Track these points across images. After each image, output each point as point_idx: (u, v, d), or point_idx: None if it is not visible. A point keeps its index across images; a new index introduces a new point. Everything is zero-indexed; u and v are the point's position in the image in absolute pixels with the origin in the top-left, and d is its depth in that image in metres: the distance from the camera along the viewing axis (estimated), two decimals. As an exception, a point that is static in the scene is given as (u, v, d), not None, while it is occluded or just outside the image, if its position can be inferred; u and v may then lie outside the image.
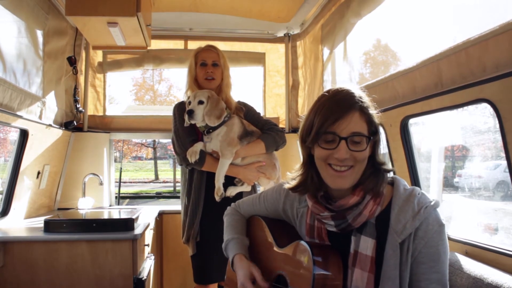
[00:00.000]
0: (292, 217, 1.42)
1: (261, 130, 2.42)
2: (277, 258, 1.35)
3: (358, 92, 1.19)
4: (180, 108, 2.39)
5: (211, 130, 2.27)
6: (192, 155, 2.23)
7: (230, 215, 1.61)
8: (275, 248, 1.37)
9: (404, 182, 1.24)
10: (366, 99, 1.19)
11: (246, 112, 2.46)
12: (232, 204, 1.66)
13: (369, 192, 1.17)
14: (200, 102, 2.23)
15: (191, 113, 2.21)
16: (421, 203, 1.15)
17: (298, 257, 1.24)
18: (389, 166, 1.23)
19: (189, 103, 2.25)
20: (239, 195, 2.31)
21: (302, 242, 1.24)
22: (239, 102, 2.49)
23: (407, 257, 1.12)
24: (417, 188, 1.21)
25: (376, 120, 1.19)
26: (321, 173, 1.20)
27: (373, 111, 1.19)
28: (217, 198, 2.23)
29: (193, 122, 2.25)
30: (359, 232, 1.18)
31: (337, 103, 1.15)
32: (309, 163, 1.25)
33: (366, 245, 1.16)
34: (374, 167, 1.20)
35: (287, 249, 1.31)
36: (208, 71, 2.38)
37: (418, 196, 1.17)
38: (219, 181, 2.24)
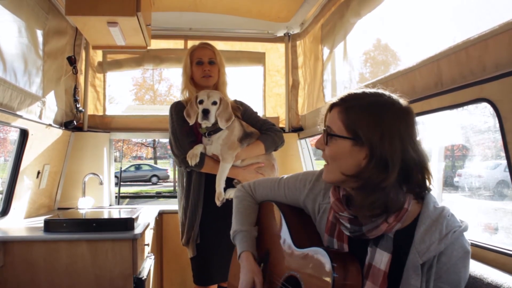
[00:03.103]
0: (312, 211, 1.36)
1: (259, 130, 2.40)
2: (293, 257, 1.30)
3: (361, 93, 1.15)
4: (177, 108, 2.36)
5: (212, 133, 2.25)
6: (193, 158, 2.20)
7: (241, 199, 1.53)
8: (292, 246, 1.31)
9: (435, 199, 1.16)
10: (371, 104, 1.11)
11: (243, 111, 2.44)
12: (246, 183, 1.57)
13: (371, 214, 1.10)
14: (214, 103, 2.21)
15: (206, 112, 2.18)
16: (450, 227, 1.09)
17: (316, 264, 1.18)
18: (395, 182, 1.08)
19: (200, 102, 2.22)
20: None
21: (323, 250, 1.18)
22: (235, 101, 2.47)
23: (429, 280, 1.08)
24: (447, 208, 1.14)
25: (375, 135, 1.07)
26: None
27: (372, 120, 1.08)
28: (218, 203, 2.22)
29: (204, 122, 2.22)
30: (375, 245, 1.14)
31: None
32: None
33: (380, 258, 1.12)
34: (362, 184, 1.11)
35: (306, 252, 1.25)
36: (205, 69, 2.35)
37: (448, 218, 1.11)
38: (220, 186, 2.22)
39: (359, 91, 1.16)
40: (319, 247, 1.20)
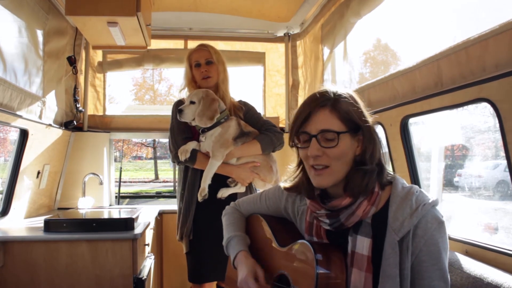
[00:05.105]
0: (292, 215, 1.43)
1: (259, 130, 2.41)
2: (279, 257, 1.35)
3: (335, 89, 1.20)
4: (177, 106, 2.40)
5: (206, 130, 2.27)
6: (183, 153, 2.24)
7: (230, 214, 1.60)
8: (277, 247, 1.37)
9: (403, 181, 1.23)
10: (345, 96, 1.18)
11: (245, 111, 2.46)
12: (232, 203, 1.66)
13: (358, 194, 1.17)
14: (192, 102, 2.25)
15: (180, 112, 2.24)
16: (419, 201, 1.14)
17: (300, 257, 1.24)
18: (375, 161, 1.20)
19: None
20: (233, 197, 2.30)
21: (305, 242, 1.24)
22: (240, 102, 2.49)
23: (407, 256, 1.12)
24: (415, 186, 1.21)
25: (361, 117, 1.18)
26: (307, 172, 1.23)
27: (354, 108, 1.17)
28: (200, 199, 2.24)
29: (184, 120, 2.27)
30: (355, 232, 1.19)
31: (308, 103, 1.20)
32: (300, 164, 1.29)
33: (362, 244, 1.16)
34: (361, 165, 1.19)
35: (289, 248, 1.31)
36: (202, 70, 2.38)
37: (416, 194, 1.17)
38: (205, 182, 2.24)
39: (319, 92, 1.21)
40: (300, 240, 1.26)
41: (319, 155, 1.15)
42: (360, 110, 1.19)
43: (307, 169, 1.23)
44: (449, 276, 1.14)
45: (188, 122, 2.31)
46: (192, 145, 2.28)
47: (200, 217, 2.31)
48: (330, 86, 1.22)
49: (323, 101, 1.17)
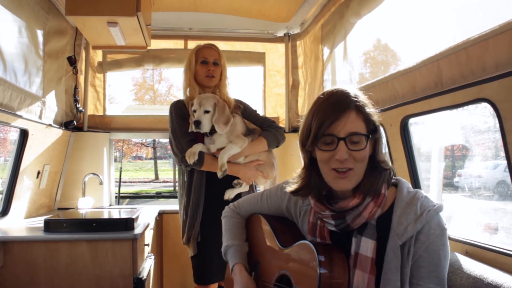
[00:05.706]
0: (295, 215, 1.42)
1: (260, 127, 2.43)
2: (280, 257, 1.35)
3: (353, 91, 1.19)
4: (177, 107, 2.38)
5: (213, 131, 2.26)
6: (191, 156, 2.21)
7: (229, 217, 1.60)
8: (278, 248, 1.37)
9: (408, 185, 1.23)
10: (362, 98, 1.19)
11: (243, 110, 2.47)
12: (231, 204, 1.65)
13: (369, 194, 1.17)
14: (206, 111, 2.21)
15: (198, 124, 2.19)
16: (424, 207, 1.14)
17: (303, 257, 1.24)
18: (388, 164, 1.22)
19: (194, 111, 2.23)
20: (239, 196, 2.30)
21: (307, 242, 1.24)
22: (235, 100, 2.49)
23: (408, 260, 1.12)
24: (420, 191, 1.21)
25: (375, 118, 1.19)
26: (324, 176, 1.20)
27: (370, 110, 1.18)
28: (219, 174, 2.20)
29: (202, 131, 2.24)
30: (360, 234, 1.18)
31: (333, 105, 1.16)
32: (310, 166, 1.25)
33: (366, 246, 1.16)
34: (373, 166, 1.20)
35: (291, 249, 1.30)
36: (209, 69, 2.38)
37: (421, 199, 1.16)
38: (223, 159, 2.20)
39: (340, 93, 1.19)
40: (303, 240, 1.26)
41: (347, 158, 1.13)
42: (373, 111, 1.20)
43: (325, 172, 1.19)
44: (446, 286, 1.13)
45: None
46: (198, 147, 2.25)
47: (207, 219, 2.31)
48: (347, 87, 1.21)
49: (349, 103, 1.15)
